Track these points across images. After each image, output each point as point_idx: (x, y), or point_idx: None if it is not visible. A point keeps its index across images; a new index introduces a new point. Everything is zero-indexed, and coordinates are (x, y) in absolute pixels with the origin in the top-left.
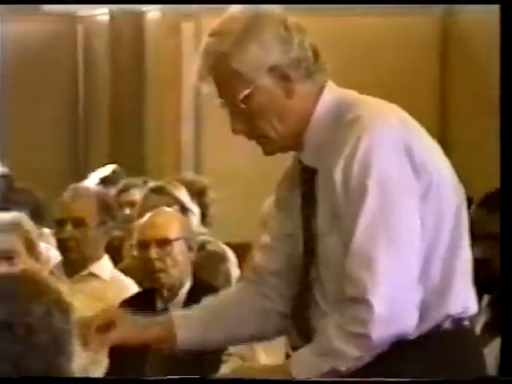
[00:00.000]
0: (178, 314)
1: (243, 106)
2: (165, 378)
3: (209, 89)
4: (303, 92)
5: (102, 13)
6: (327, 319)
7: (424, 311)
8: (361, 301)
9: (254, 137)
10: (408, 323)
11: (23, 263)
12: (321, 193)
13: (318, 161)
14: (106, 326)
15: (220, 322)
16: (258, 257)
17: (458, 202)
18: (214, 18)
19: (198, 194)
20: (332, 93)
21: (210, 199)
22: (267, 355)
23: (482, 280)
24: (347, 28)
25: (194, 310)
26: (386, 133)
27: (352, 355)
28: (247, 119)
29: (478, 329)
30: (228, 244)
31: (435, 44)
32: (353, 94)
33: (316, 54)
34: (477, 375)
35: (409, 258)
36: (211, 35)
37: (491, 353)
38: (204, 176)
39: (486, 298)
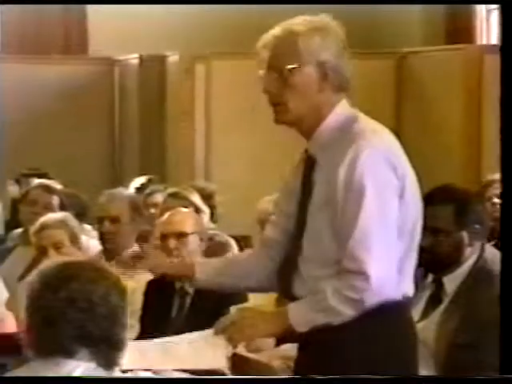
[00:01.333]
0: (200, 260)
1: (285, 75)
2: (166, 377)
3: (265, 55)
4: (329, 96)
5: (133, 57)
6: (324, 283)
7: None
8: (360, 273)
9: (275, 102)
10: (389, 294)
11: (69, 252)
12: (318, 178)
13: (321, 154)
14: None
15: (230, 272)
16: (268, 229)
17: (417, 214)
18: (222, 61)
19: (208, 197)
20: (344, 108)
21: (217, 201)
22: None
23: (427, 262)
24: None
25: (213, 260)
26: (380, 147)
27: (345, 314)
28: (280, 87)
29: (423, 300)
30: (231, 236)
31: (391, 82)
32: (357, 112)
33: (349, 79)
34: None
35: (393, 244)
36: (290, 21)
37: (434, 319)
38: (212, 183)
39: (430, 277)
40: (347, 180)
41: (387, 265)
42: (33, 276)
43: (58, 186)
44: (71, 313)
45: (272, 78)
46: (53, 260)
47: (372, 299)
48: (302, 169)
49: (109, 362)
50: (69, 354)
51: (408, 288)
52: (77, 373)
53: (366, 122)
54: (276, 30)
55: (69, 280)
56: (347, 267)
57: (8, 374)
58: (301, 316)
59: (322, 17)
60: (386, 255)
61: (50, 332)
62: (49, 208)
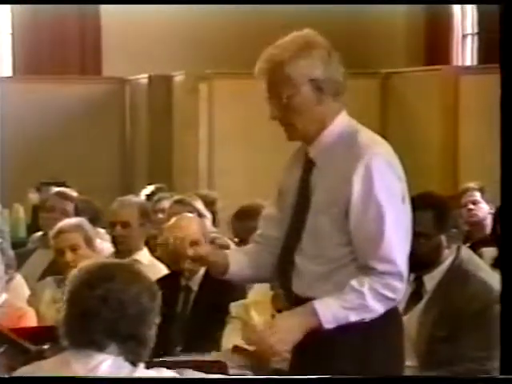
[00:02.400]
0: (231, 252)
1: (285, 101)
2: (169, 377)
3: (264, 84)
4: (329, 105)
5: (143, 77)
6: (356, 283)
7: None
8: (397, 274)
9: (284, 124)
10: None
11: (84, 253)
12: (318, 181)
13: (321, 158)
14: (193, 244)
15: (253, 264)
16: (263, 227)
17: (410, 219)
18: (223, 81)
19: (210, 204)
20: (345, 117)
21: (218, 208)
22: (259, 315)
23: (409, 263)
24: None
25: (236, 253)
26: (387, 158)
27: (378, 311)
28: (284, 111)
29: (405, 297)
30: (231, 239)
31: (376, 99)
32: (357, 123)
33: (344, 81)
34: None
35: (407, 246)
36: (274, 48)
37: (415, 314)
38: (214, 191)
39: (411, 276)
40: (365, 192)
41: (406, 266)
42: (74, 272)
43: (74, 194)
44: (104, 310)
45: (274, 105)
46: (90, 260)
47: (400, 297)
48: (301, 171)
49: (135, 357)
50: (99, 347)
51: None
52: (105, 365)
53: (368, 132)
54: (262, 62)
55: (105, 280)
56: (383, 269)
57: (43, 362)
58: (331, 313)
59: (304, 33)
60: (405, 257)
61: (84, 326)
62: (65, 214)
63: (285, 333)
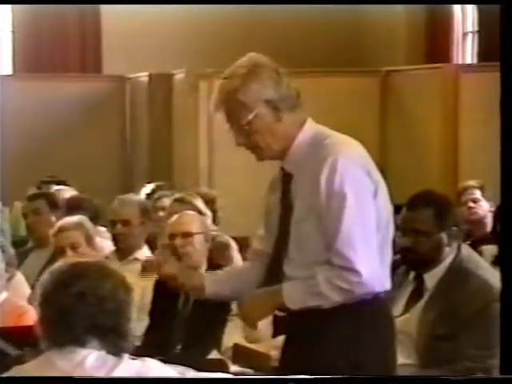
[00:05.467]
0: (208, 274)
1: (246, 127)
2: (166, 377)
3: (220, 116)
4: (289, 120)
5: (143, 75)
6: (317, 270)
7: None
8: (350, 270)
9: (251, 148)
10: (377, 286)
11: (84, 252)
12: (297, 192)
13: (296, 168)
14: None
15: (232, 283)
16: (257, 243)
17: (388, 214)
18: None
19: (210, 202)
20: (311, 126)
21: (219, 206)
22: None
23: (410, 261)
24: (308, 86)
25: (218, 273)
26: (353, 156)
27: (334, 300)
28: (247, 136)
29: (406, 295)
30: (231, 237)
31: (376, 97)
32: (326, 129)
33: (298, 94)
34: (385, 334)
35: (374, 241)
36: (224, 78)
37: (415, 312)
38: (214, 189)
39: (412, 273)
40: (328, 188)
41: (372, 260)
42: (45, 275)
43: (74, 192)
44: (82, 307)
45: (237, 132)
46: (64, 260)
47: (361, 290)
48: (280, 185)
49: (117, 349)
50: (81, 343)
51: (385, 281)
52: (89, 360)
53: (336, 137)
54: (216, 94)
55: (79, 277)
56: (337, 264)
57: (25, 365)
58: (294, 295)
59: (248, 57)
60: (369, 251)
61: (64, 324)
62: (38, 213)
63: (252, 310)
